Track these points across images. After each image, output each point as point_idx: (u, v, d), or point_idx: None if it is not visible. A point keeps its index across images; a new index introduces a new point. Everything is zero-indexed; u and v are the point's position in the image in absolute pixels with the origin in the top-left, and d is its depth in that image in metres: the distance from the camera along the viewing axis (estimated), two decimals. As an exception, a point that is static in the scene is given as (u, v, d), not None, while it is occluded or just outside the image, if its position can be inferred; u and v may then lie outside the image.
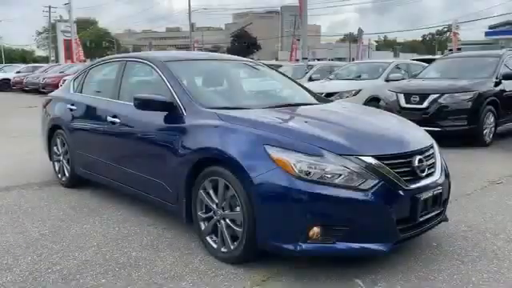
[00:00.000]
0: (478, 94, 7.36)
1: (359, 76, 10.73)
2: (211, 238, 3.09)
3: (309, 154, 2.66)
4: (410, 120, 7.68)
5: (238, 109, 3.34)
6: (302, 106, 3.65)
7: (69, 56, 32.54)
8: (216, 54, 5.71)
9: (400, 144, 2.92)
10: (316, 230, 2.60)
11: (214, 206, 3.03)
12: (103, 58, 4.88)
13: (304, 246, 2.62)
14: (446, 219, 3.24)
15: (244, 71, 4.43)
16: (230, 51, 76.08)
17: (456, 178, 5.25)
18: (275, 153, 2.68)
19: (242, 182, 2.77)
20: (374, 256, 2.85)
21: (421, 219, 2.83)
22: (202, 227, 3.15)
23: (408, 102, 7.76)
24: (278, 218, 2.67)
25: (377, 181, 2.65)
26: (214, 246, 3.05)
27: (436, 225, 3.12)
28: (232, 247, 2.92)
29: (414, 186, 2.78)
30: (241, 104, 3.50)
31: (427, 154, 3.03)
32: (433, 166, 3.05)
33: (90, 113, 4.37)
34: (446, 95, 7.41)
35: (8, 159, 6.35)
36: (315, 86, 10.00)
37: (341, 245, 2.64)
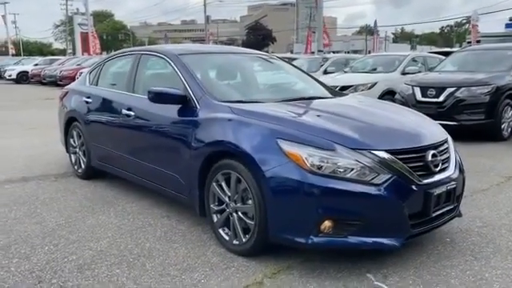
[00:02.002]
0: (495, 88, 7.25)
1: (375, 69, 10.62)
2: (223, 230, 3.12)
3: (321, 148, 2.66)
4: (426, 114, 7.67)
5: (251, 102, 3.35)
6: (316, 100, 3.64)
7: (85, 49, 32.80)
8: (229, 47, 5.71)
9: (413, 138, 2.90)
10: (327, 223, 2.60)
11: (227, 199, 3.05)
12: (118, 52, 4.93)
13: (315, 239, 2.63)
14: (459, 215, 3.21)
15: (257, 64, 4.42)
16: (244, 44, 76.00)
17: (472, 173, 5.22)
18: (287, 147, 2.69)
19: (254, 176, 2.78)
20: (386, 251, 2.84)
21: (433, 214, 2.81)
22: (215, 219, 3.17)
23: (424, 95, 7.68)
24: (289, 211, 2.68)
25: (389, 175, 2.63)
26: (227, 238, 3.08)
27: (449, 220, 3.09)
28: (244, 240, 2.94)
29: (427, 181, 2.77)
30: (254, 97, 3.50)
31: (441, 148, 3.00)
32: (447, 160, 3.02)
33: (106, 105, 4.43)
34: (463, 89, 7.31)
35: (26, 150, 6.46)
36: (330, 79, 9.96)
37: (352, 239, 2.64)
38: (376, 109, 3.53)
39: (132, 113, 3.94)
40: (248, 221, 2.91)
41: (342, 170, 2.61)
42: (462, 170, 3.14)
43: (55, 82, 20.80)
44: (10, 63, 29.30)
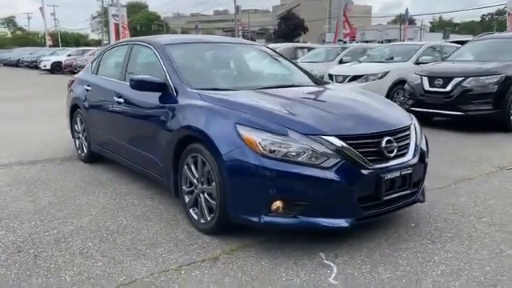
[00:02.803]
0: (504, 78, 7.10)
1: (391, 58, 10.53)
2: (193, 210, 3.32)
3: (275, 133, 2.81)
4: (433, 104, 7.60)
5: (225, 90, 3.51)
6: (291, 88, 3.77)
7: (118, 39, 33.76)
8: (223, 37, 5.86)
9: (369, 125, 2.99)
10: (278, 203, 2.76)
11: (195, 181, 3.25)
12: (116, 42, 5.18)
13: (266, 218, 2.79)
14: (421, 200, 3.29)
15: (246, 54, 4.55)
16: (276, 33, 75.65)
17: (466, 162, 5.25)
18: (244, 132, 2.85)
19: (215, 158, 2.96)
20: (336, 231, 2.96)
21: (385, 198, 2.91)
22: (186, 200, 3.38)
23: (432, 85, 7.61)
24: (244, 192, 2.86)
25: (338, 160, 2.76)
26: (196, 217, 3.29)
27: (407, 205, 3.19)
28: (209, 219, 3.14)
29: (378, 166, 2.87)
30: (231, 86, 3.66)
31: (400, 135, 3.09)
32: (406, 147, 3.11)
33: (101, 93, 4.69)
34: (471, 78, 7.20)
35: (42, 137, 6.86)
36: (342, 69, 9.99)
37: (302, 219, 2.79)
38: (343, 97, 3.62)
39: (121, 100, 4.19)
40: (212, 201, 3.09)
41: (293, 154, 2.75)
42: (423, 157, 3.20)
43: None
44: (46, 54, 30.46)
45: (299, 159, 2.74)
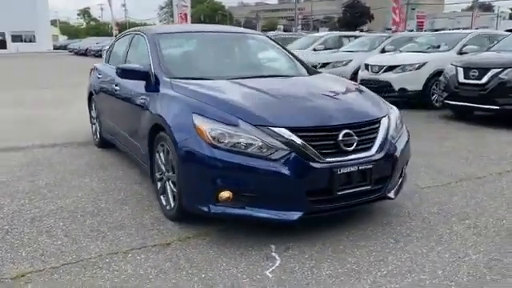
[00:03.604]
0: (546, 70, 6.50)
1: (437, 47, 9.94)
2: (163, 196, 3.40)
3: (227, 123, 2.80)
4: (467, 97, 7.15)
5: (200, 79, 3.53)
6: (268, 78, 3.73)
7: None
8: (222, 26, 5.86)
9: (326, 117, 2.90)
10: (225, 193, 2.76)
11: (164, 168, 3.32)
12: (124, 31, 5.35)
13: (214, 208, 2.80)
14: (390, 197, 3.14)
15: (238, 44, 4.52)
16: (340, 22, 73.98)
17: (483, 159, 4.94)
18: (198, 121, 2.87)
19: (174, 147, 3.01)
20: (283, 223, 2.89)
21: (339, 193, 2.81)
22: (158, 187, 3.47)
23: (466, 76, 7.15)
24: (194, 181, 2.89)
25: (287, 152, 2.71)
26: (164, 204, 3.37)
27: (370, 202, 3.06)
28: (173, 206, 3.20)
29: (331, 160, 2.78)
30: (208, 75, 3.65)
31: (364, 128, 2.96)
32: (371, 141, 2.97)
33: (106, 81, 4.90)
34: (509, 69, 6.67)
35: (70, 121, 7.26)
36: (379, 58, 9.62)
37: (249, 209, 2.78)
38: (315, 89, 3.50)
39: (117, 88, 4.35)
40: (174, 189, 3.15)
41: (242, 145, 2.73)
42: (390, 153, 3.04)
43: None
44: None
45: (248, 150, 2.72)
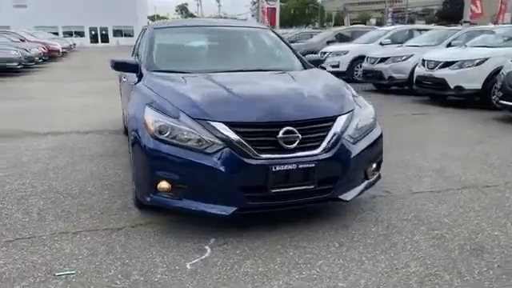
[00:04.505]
0: None
1: (509, 39, 9.01)
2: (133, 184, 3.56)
3: (169, 115, 2.87)
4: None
5: (177, 73, 3.61)
6: (246, 73, 3.70)
7: (270, 22, 35.22)
8: (226, 20, 5.84)
9: (267, 113, 2.83)
10: (163, 184, 2.83)
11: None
12: (145, 26, 5.60)
13: (154, 198, 2.89)
14: (340, 199, 2.98)
15: (234, 38, 4.48)
16: (439, 14, 69.50)
17: (510, 168, 4.43)
18: (146, 113, 2.97)
19: (128, 138, 3.15)
20: (217, 217, 2.87)
21: (274, 191, 2.74)
22: (132, 174, 3.63)
23: (524, 74, 6.42)
24: (139, 171, 3.01)
25: (221, 146, 2.70)
26: (134, 191, 3.52)
27: (315, 202, 2.95)
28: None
29: (267, 156, 2.72)
30: (187, 69, 3.70)
31: (311, 126, 2.84)
32: (318, 139, 2.84)
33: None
34: None
35: (108, 110, 7.64)
36: (436, 54, 9.00)
37: (185, 201, 2.83)
38: (289, 84, 3.42)
39: (125, 80, 4.61)
40: (136, 177, 3.30)
41: (180, 138, 2.78)
42: (341, 152, 2.88)
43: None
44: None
45: (188, 144, 2.77)
